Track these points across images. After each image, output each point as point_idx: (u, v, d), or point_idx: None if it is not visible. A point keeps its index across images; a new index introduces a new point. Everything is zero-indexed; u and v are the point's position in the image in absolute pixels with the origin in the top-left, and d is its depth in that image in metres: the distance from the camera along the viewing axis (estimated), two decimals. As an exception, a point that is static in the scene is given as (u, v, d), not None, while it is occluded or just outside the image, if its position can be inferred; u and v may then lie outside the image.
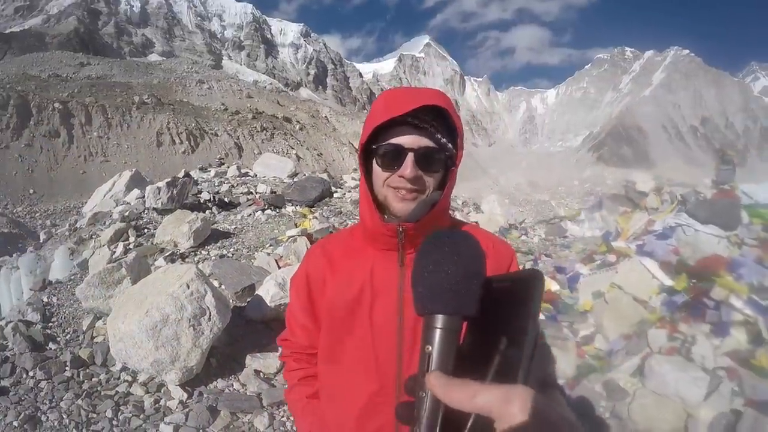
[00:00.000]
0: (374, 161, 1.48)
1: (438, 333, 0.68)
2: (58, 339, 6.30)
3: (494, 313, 0.69)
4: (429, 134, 1.41)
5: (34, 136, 41.37)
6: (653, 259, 6.83)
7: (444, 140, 1.43)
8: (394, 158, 1.42)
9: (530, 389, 0.57)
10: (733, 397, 4.84)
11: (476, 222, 13.98)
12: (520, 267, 1.55)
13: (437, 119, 1.41)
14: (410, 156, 1.40)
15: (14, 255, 13.47)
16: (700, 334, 5.57)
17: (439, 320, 0.68)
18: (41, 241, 15.00)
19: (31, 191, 36.08)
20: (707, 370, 5.08)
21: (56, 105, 44.62)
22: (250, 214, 12.09)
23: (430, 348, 0.67)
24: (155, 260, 8.80)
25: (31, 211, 31.12)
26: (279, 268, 8.23)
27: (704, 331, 5.63)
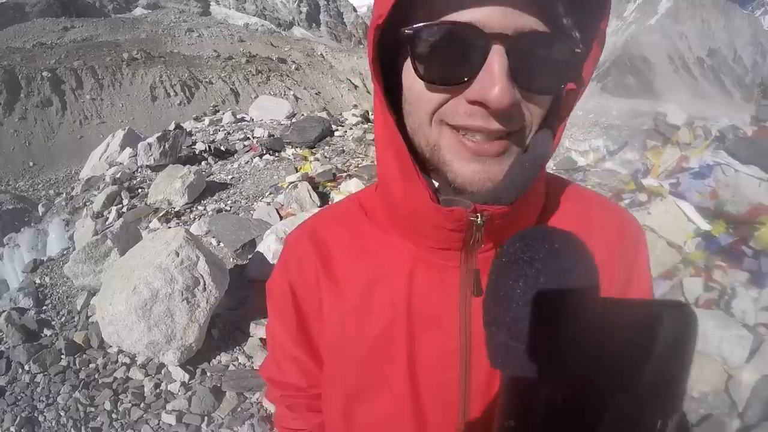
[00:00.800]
0: (409, 66, 0.73)
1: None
2: (53, 323, 6.03)
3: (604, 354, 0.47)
4: (536, 3, 0.67)
5: (27, 109, 40.78)
6: (689, 200, 6.36)
7: (567, 20, 0.70)
8: (458, 58, 0.67)
9: None
10: None
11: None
12: None
13: None
14: (498, 52, 0.66)
15: (21, 231, 13.12)
16: (739, 284, 5.18)
17: None
18: (40, 213, 14.51)
19: (31, 164, 35.81)
20: (749, 327, 4.69)
21: (45, 74, 44.05)
22: (248, 162, 11.57)
23: (513, 423, 0.50)
24: (149, 222, 8.35)
25: (34, 184, 31.02)
26: (281, 218, 7.74)
27: (741, 280, 5.25)
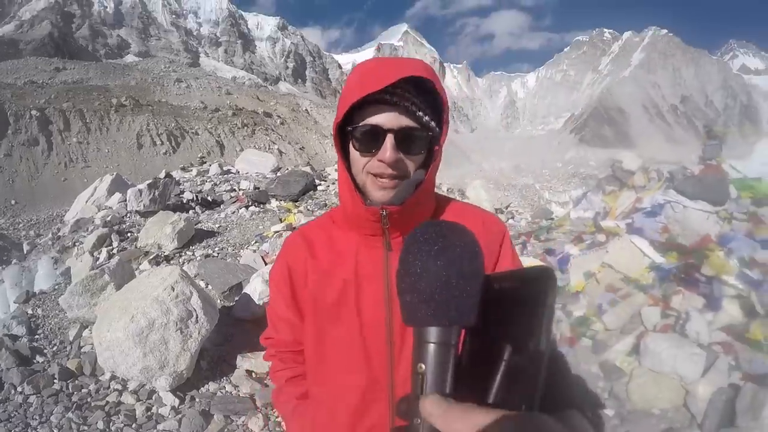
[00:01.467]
0: (351, 144, 1.36)
1: (432, 349, 0.59)
2: (45, 351, 6.18)
3: (496, 319, 0.60)
4: (409, 112, 1.29)
5: (13, 146, 40.83)
6: (643, 237, 6.84)
7: (426, 118, 1.32)
8: (371, 141, 1.30)
9: (546, 417, 0.50)
10: (731, 372, 4.83)
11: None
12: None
13: (419, 94, 1.30)
14: (389, 137, 1.28)
15: (0, 268, 13.26)
16: (694, 310, 5.56)
17: (433, 333, 0.60)
18: (25, 252, 14.71)
19: (13, 202, 35.61)
20: (703, 346, 5.07)
21: (33, 112, 44.07)
22: (234, 212, 12.01)
23: (423, 366, 0.59)
24: (140, 264, 8.68)
25: (14, 222, 30.68)
26: (265, 264, 8.18)
27: (697, 306, 5.63)
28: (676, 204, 7.04)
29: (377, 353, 1.41)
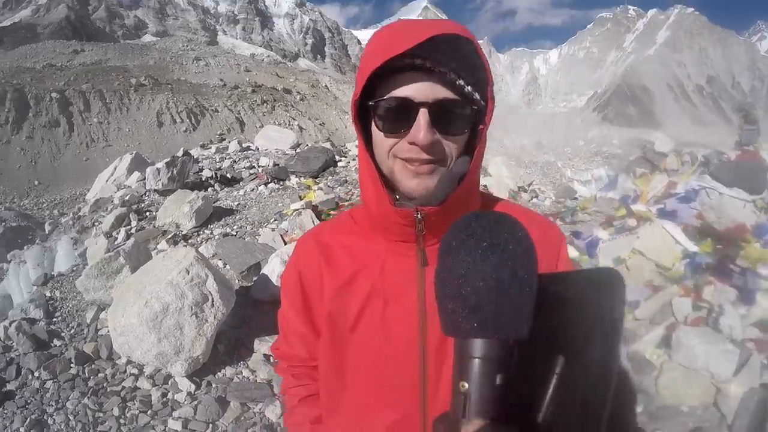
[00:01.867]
0: (373, 123, 1.11)
1: (476, 365, 0.52)
2: (63, 334, 6.14)
3: (548, 326, 0.51)
4: (447, 81, 1.02)
5: (34, 128, 41.28)
6: (676, 223, 6.60)
7: (469, 88, 1.03)
8: (400, 118, 1.05)
9: None
10: (763, 371, 4.63)
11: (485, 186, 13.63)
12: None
13: (456, 60, 1.01)
14: (423, 113, 1.02)
15: (25, 248, 13.31)
16: (726, 302, 5.34)
17: (478, 347, 0.52)
18: (47, 232, 14.74)
19: (36, 182, 36.13)
20: (736, 342, 4.86)
21: (53, 95, 44.48)
22: (253, 189, 11.87)
23: (466, 385, 0.52)
24: (157, 244, 8.59)
25: (38, 203, 31.15)
26: (285, 243, 8.01)
27: (730, 299, 5.42)
28: (711, 190, 6.80)
29: (408, 386, 1.16)
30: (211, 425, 4.60)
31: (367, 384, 1.21)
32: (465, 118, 1.06)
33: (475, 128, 1.10)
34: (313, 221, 8.32)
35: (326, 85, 78.17)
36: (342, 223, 1.34)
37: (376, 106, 1.07)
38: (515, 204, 1.40)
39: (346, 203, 9.89)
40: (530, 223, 1.24)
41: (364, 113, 1.13)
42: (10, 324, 6.10)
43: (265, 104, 58.23)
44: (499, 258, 0.53)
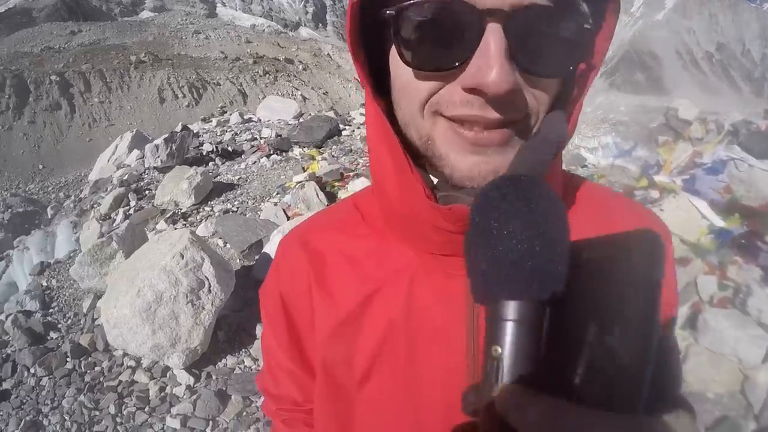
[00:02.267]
0: (394, 53, 0.64)
1: (510, 327, 0.48)
2: (59, 326, 6.02)
3: (580, 290, 0.47)
4: None
5: (36, 112, 41.14)
6: (701, 196, 6.23)
7: None
8: (449, 40, 0.59)
9: (658, 422, 0.42)
10: None
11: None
12: None
13: None
14: (494, 31, 0.57)
15: (30, 234, 13.10)
16: (754, 282, 5.01)
17: (511, 309, 0.48)
18: (49, 216, 14.50)
19: (41, 166, 36.00)
20: (765, 327, 4.57)
21: (53, 78, 44.35)
22: (255, 162, 11.52)
23: (499, 350, 0.48)
24: (156, 224, 8.29)
25: (44, 186, 31.04)
26: (288, 219, 7.64)
27: (756, 278, 5.09)
28: (741, 162, 6.42)
29: None
30: (211, 422, 4.38)
31: None
32: (571, 45, 0.61)
33: (576, 66, 0.67)
34: (317, 194, 7.94)
35: (329, 54, 77.62)
36: (342, 218, 0.89)
37: (399, 18, 0.60)
38: (604, 188, 0.95)
39: (351, 174, 9.49)
40: (632, 216, 0.81)
41: (373, 35, 0.67)
42: (6, 318, 6.01)
43: (267, 75, 57.97)
44: (532, 219, 0.48)
